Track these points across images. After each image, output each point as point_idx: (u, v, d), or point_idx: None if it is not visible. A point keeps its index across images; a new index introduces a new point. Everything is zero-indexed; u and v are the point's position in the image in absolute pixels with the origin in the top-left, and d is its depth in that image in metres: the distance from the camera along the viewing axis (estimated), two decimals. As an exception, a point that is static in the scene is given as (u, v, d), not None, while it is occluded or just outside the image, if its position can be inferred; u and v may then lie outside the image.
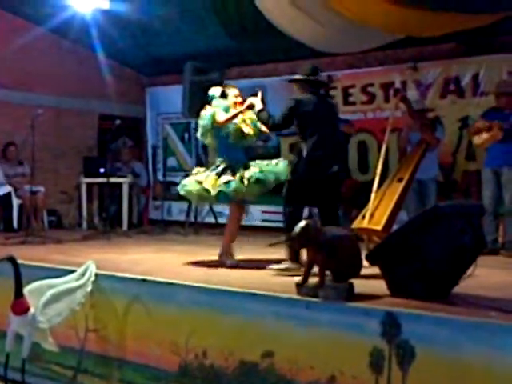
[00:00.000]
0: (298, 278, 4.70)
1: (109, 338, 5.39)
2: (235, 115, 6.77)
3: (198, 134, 7.15)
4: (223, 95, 7.06)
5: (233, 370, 4.61)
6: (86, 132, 12.05)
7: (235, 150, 6.88)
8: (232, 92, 7.08)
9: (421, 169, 7.99)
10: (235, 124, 6.79)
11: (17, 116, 10.32)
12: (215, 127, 6.84)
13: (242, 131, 6.83)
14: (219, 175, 6.65)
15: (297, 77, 6.73)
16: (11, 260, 4.94)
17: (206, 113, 6.95)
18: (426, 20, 7.73)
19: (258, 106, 6.64)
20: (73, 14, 9.97)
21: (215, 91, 7.14)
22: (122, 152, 11.82)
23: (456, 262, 4.53)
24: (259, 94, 6.78)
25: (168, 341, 5.00)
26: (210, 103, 7.05)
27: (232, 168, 6.68)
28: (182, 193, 6.84)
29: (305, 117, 6.36)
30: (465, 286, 4.63)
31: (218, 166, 6.81)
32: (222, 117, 6.76)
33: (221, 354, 4.69)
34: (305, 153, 6.34)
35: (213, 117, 6.82)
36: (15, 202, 10.16)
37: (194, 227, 10.40)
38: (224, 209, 11.12)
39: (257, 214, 11.04)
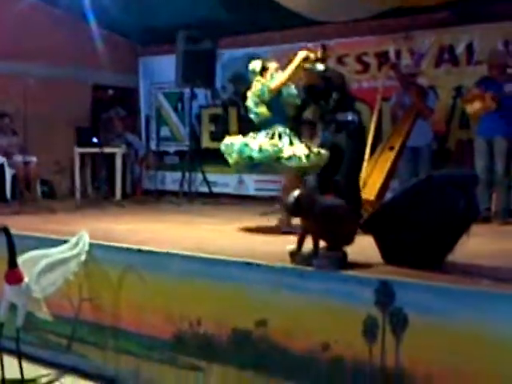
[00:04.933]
0: (291, 247, 4.71)
1: (103, 307, 5.41)
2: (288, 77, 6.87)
3: (251, 104, 7.02)
4: (263, 69, 7.06)
5: (227, 338, 4.63)
6: (79, 102, 11.94)
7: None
8: (272, 65, 7.09)
9: (415, 135, 8.03)
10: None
11: (8, 86, 10.23)
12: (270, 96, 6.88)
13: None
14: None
15: None
16: (4, 230, 4.92)
17: (254, 90, 6.96)
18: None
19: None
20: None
21: (255, 65, 7.11)
22: (115, 122, 11.76)
23: (449, 231, 4.54)
24: None
25: (162, 310, 5.02)
26: (245, 77, 7.12)
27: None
28: (293, 163, 6.60)
29: None
30: (458, 255, 4.65)
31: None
32: (273, 83, 6.86)
33: (215, 322, 4.71)
34: None
35: (267, 87, 6.86)
36: (8, 172, 10.13)
37: (187, 197, 10.40)
38: (217, 178, 11.20)
39: (250, 184, 11.05)
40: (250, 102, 7.00)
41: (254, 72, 7.07)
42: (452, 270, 4.45)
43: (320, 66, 7.11)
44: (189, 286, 4.89)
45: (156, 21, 10.87)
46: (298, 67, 6.86)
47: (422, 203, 4.49)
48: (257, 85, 6.93)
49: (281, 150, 6.58)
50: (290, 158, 6.55)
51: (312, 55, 7.00)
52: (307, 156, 6.58)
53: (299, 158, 6.54)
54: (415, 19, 9.50)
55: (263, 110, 6.91)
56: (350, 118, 7.09)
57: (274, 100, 6.88)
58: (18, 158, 9.95)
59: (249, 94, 7.02)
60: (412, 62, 9.53)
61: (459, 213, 4.52)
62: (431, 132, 8.57)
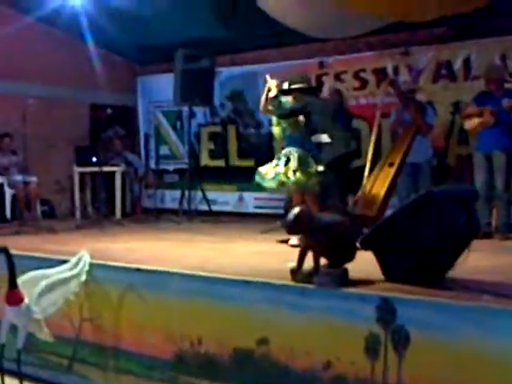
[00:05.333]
0: (292, 264, 4.70)
1: (104, 327, 5.39)
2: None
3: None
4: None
5: (228, 358, 4.61)
6: (78, 121, 11.98)
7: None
8: (273, 84, 7.68)
9: (415, 152, 8.02)
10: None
11: (8, 107, 10.25)
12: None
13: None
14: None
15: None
16: (4, 251, 4.92)
17: None
18: (415, 4, 7.75)
19: None
20: (62, 2, 9.92)
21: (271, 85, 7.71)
22: (114, 141, 11.76)
23: (450, 247, 4.54)
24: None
25: (163, 329, 5.00)
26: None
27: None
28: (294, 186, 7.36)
29: None
30: (459, 271, 4.64)
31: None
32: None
33: (216, 341, 4.69)
34: None
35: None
36: (8, 192, 10.14)
37: (187, 215, 10.39)
38: (217, 196, 11.20)
39: (250, 201, 11.05)
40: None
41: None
42: (453, 286, 4.44)
43: (283, 98, 7.68)
44: (189, 305, 4.88)
45: (154, 40, 10.91)
46: (265, 98, 7.63)
47: (422, 219, 4.48)
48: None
49: (284, 176, 7.23)
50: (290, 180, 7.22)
51: (272, 86, 7.62)
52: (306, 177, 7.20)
53: (297, 180, 7.19)
54: (413, 35, 9.55)
55: (276, 130, 7.72)
56: (321, 139, 7.61)
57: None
58: (18, 178, 9.96)
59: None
60: (410, 77, 9.55)
61: (459, 228, 4.52)
62: (431, 148, 8.58)
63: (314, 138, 7.57)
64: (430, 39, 9.45)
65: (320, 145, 7.71)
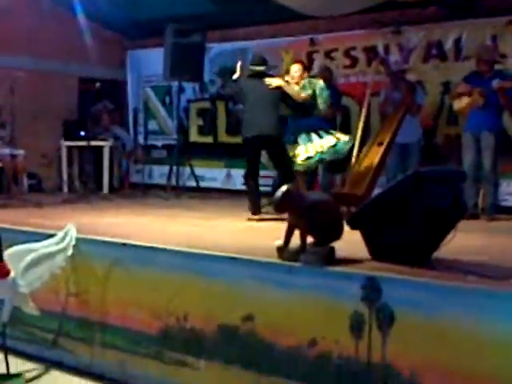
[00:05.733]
0: (278, 242, 4.71)
1: (90, 302, 5.38)
2: None
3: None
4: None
5: (213, 334, 4.62)
6: (66, 95, 11.92)
7: None
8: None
9: (404, 132, 8.03)
10: None
11: (-4, 79, 10.20)
12: None
13: None
14: None
15: None
16: (-9, 224, 4.91)
17: None
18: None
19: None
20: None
21: None
22: (103, 116, 11.71)
23: (436, 227, 4.55)
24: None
25: (149, 304, 5.00)
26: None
27: None
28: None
29: None
30: (445, 251, 4.66)
31: None
32: None
33: (202, 317, 4.70)
34: None
35: None
36: (-5, 165, 10.10)
37: (175, 191, 10.38)
38: (205, 172, 11.20)
39: (238, 178, 11.04)
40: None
41: None
42: (438, 267, 4.46)
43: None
44: (175, 280, 4.87)
45: (144, 14, 10.85)
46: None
47: (409, 199, 4.49)
48: None
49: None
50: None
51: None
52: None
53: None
54: (404, 14, 9.51)
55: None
56: None
57: None
58: (6, 151, 9.91)
59: None
60: (400, 56, 9.53)
61: (446, 209, 4.53)
62: (420, 128, 8.58)
63: None
64: (422, 18, 9.42)
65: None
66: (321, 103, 7.70)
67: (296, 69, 7.85)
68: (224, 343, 4.57)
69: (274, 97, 7.71)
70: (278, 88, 7.63)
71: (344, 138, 7.62)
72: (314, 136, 7.56)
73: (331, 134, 7.62)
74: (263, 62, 7.86)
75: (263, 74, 7.76)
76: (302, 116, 7.78)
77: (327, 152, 7.54)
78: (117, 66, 12.69)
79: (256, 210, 7.58)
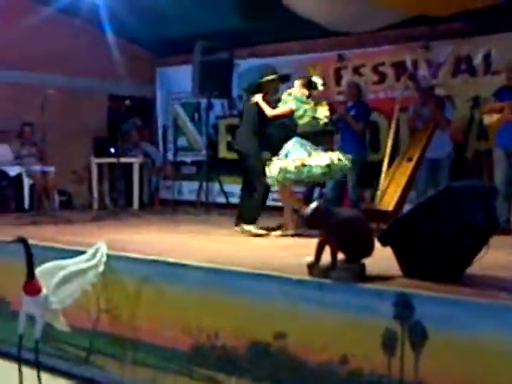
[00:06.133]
0: (309, 259, 4.70)
1: (121, 319, 5.41)
2: None
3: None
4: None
5: (245, 351, 4.62)
6: (96, 112, 12.03)
7: None
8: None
9: (434, 147, 8.00)
10: None
11: (29, 97, 10.28)
12: None
13: None
14: None
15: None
16: (22, 241, 4.95)
17: None
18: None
19: None
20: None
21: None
22: (132, 132, 11.79)
23: (469, 243, 4.51)
24: None
25: (180, 321, 5.02)
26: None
27: None
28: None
29: None
30: (477, 267, 4.62)
31: None
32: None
33: (233, 334, 4.70)
34: None
35: None
36: (26, 182, 10.17)
37: (204, 207, 10.39)
38: (234, 188, 11.18)
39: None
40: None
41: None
42: (471, 283, 4.42)
43: None
44: (206, 297, 4.89)
45: (173, 31, 10.91)
46: None
47: (440, 215, 4.46)
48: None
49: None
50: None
51: None
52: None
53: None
54: (433, 29, 9.48)
55: None
56: None
57: None
58: (37, 168, 10.01)
59: None
60: (429, 72, 9.50)
61: (478, 225, 4.49)
62: (451, 143, 8.53)
63: None
64: (450, 33, 9.38)
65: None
66: (298, 117, 7.57)
67: (295, 85, 7.81)
68: (255, 360, 4.57)
69: (250, 113, 7.96)
70: (257, 104, 7.80)
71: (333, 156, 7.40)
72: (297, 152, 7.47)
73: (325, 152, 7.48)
74: (260, 76, 8.07)
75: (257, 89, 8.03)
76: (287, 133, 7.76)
77: (296, 172, 7.33)
78: (146, 84, 12.78)
79: (239, 221, 7.83)
